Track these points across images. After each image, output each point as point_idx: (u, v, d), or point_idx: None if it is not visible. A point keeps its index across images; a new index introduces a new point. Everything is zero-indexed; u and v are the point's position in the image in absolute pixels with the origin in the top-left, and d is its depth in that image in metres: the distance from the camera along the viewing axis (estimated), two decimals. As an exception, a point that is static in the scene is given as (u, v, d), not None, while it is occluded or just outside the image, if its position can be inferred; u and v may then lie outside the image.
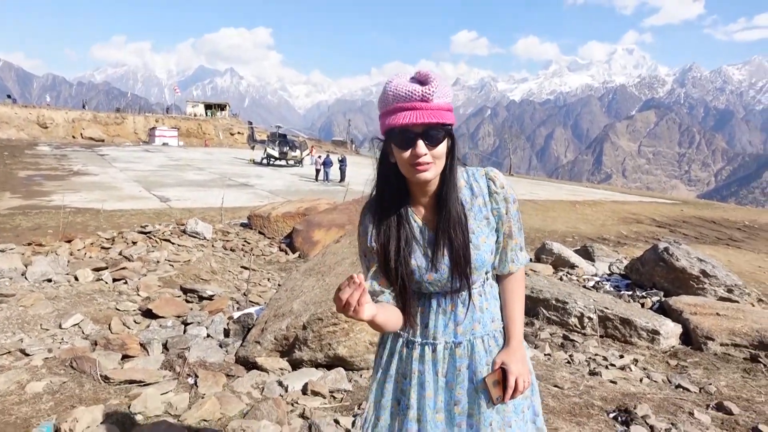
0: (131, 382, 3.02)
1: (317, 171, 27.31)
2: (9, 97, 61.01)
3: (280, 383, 3.06)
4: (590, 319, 4.99)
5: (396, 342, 1.52)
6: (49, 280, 4.92)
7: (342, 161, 27.27)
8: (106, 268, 5.54)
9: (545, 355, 4.38)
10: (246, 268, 6.19)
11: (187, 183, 22.86)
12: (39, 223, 12.93)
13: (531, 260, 8.00)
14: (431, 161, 1.35)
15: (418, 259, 1.44)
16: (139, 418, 2.65)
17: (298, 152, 36.35)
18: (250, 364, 3.39)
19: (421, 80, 1.34)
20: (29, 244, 6.39)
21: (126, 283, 5.21)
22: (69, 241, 6.46)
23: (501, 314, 1.55)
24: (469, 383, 1.46)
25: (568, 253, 7.75)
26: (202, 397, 2.86)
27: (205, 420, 2.64)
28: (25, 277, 4.96)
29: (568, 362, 4.28)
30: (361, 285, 1.17)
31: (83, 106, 68.01)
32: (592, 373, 3.98)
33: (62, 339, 3.63)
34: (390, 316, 1.42)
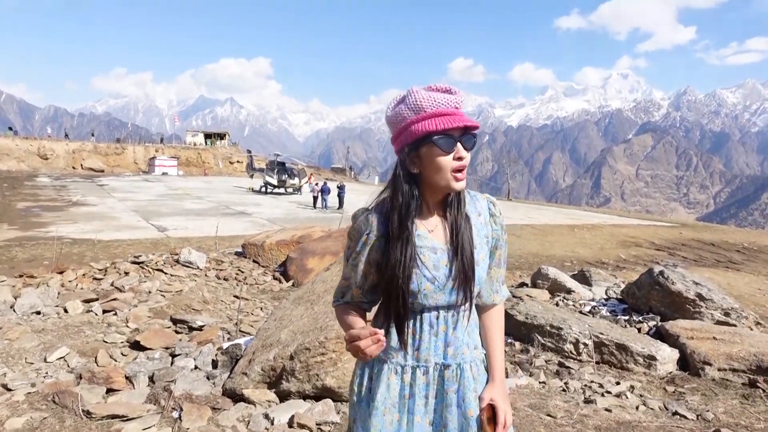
0: (113, 417, 2.95)
1: (315, 198, 27.43)
2: (10, 129, 61.55)
3: (267, 416, 3.00)
4: (585, 345, 4.93)
5: (381, 369, 1.47)
6: (38, 313, 4.88)
7: (341, 188, 27.39)
8: (97, 299, 5.50)
9: (540, 383, 4.31)
10: (238, 297, 6.14)
11: (185, 212, 22.88)
12: (35, 254, 12.90)
13: (527, 285, 7.95)
14: (466, 166, 1.39)
15: (418, 268, 1.42)
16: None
17: (296, 180, 36.50)
18: (237, 397, 3.32)
19: (446, 91, 1.39)
20: (20, 276, 6.35)
21: (116, 314, 5.16)
22: (61, 273, 6.43)
23: (481, 345, 1.56)
24: (457, 408, 1.44)
25: (564, 278, 7.70)
26: (186, 432, 2.80)
27: (188, 455, 2.58)
28: (14, 310, 4.91)
29: (563, 390, 4.21)
30: (381, 343, 1.23)
31: (92, 135, 68.71)
32: (587, 401, 3.91)
33: (46, 373, 3.58)
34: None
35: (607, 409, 3.72)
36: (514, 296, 7.32)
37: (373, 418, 1.45)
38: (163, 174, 52.83)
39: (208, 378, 3.63)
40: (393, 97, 1.46)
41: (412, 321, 1.45)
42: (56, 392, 3.15)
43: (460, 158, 1.37)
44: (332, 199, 27.35)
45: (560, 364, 4.81)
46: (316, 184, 28.25)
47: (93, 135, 69.29)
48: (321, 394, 3.24)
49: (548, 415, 3.51)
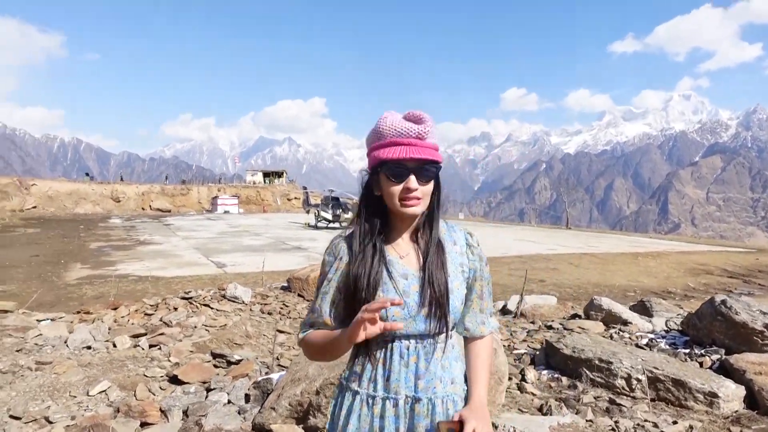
0: (143, 451, 3.01)
1: None
2: (87, 174, 66.22)
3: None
4: (639, 380, 4.61)
5: (354, 399, 1.45)
6: (89, 347, 5.09)
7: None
8: (145, 334, 5.69)
9: (587, 421, 4.04)
10: (281, 331, 6.19)
11: (243, 248, 23.52)
12: (103, 291, 13.55)
13: (580, 317, 7.59)
14: (421, 197, 1.40)
15: (387, 293, 1.41)
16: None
17: (350, 214, 36.95)
18: (265, 431, 3.31)
19: (415, 120, 1.41)
20: (78, 312, 6.69)
21: (160, 348, 5.31)
22: (115, 308, 6.72)
23: (464, 379, 1.51)
24: None
25: (620, 309, 7.30)
26: (213, 467, 2.80)
27: (210, 492, 2.56)
28: (66, 345, 5.16)
29: (613, 429, 3.93)
30: (390, 324, 1.26)
31: (165, 178, 72.74)
32: (639, 442, 3.63)
33: (87, 406, 3.70)
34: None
35: (659, 451, 3.43)
36: (565, 329, 7.00)
37: None
38: (225, 212, 54.91)
39: (239, 412, 3.64)
40: (388, 111, 1.48)
41: (382, 350, 1.43)
42: (92, 425, 3.25)
43: (409, 188, 1.37)
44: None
45: (611, 401, 4.50)
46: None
47: (166, 178, 73.13)
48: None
49: (592, 456, 3.28)
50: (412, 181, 1.37)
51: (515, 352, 5.95)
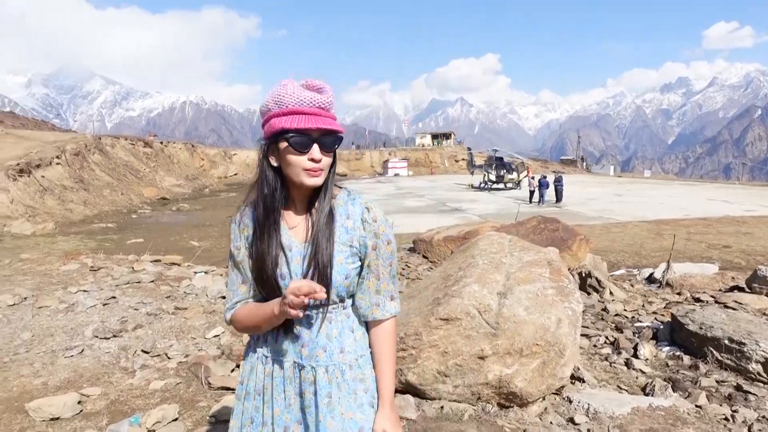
0: (226, 388, 3.47)
1: (531, 193, 26.57)
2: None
3: None
4: (779, 366, 3.91)
5: (254, 356, 1.52)
6: (223, 297, 5.89)
7: (558, 181, 25.96)
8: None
9: (696, 406, 3.58)
10: (400, 291, 6.43)
11: (405, 209, 24.41)
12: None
13: (742, 290, 6.55)
14: (323, 168, 1.38)
15: (282, 268, 1.43)
16: (210, 419, 3.05)
17: (515, 175, 35.92)
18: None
19: (316, 89, 1.39)
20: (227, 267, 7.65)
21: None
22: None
23: (356, 349, 1.48)
24: (316, 409, 1.41)
25: (795, 282, 6.12)
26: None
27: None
28: (206, 294, 6.04)
29: (726, 419, 3.43)
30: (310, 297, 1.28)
31: (352, 144, 77.11)
32: (751, 437, 3.13)
33: (201, 347, 4.35)
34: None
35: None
36: (717, 302, 6.13)
37: (245, 400, 1.51)
38: (395, 175, 57.17)
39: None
40: (291, 79, 1.43)
41: None
42: (195, 362, 3.83)
43: (313, 159, 1.35)
44: (550, 192, 26.13)
45: (737, 388, 3.90)
46: (533, 178, 27.32)
47: (353, 143, 77.51)
48: (406, 389, 3.27)
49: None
50: (316, 150, 1.35)
51: (636, 324, 5.41)
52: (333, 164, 1.44)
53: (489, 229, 8.32)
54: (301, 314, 1.30)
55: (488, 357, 3.08)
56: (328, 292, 1.39)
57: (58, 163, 25.72)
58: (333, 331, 1.46)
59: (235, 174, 53.87)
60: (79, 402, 3.27)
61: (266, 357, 1.49)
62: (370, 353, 1.52)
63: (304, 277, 1.40)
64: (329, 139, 1.37)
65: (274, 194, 1.42)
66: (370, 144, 78.33)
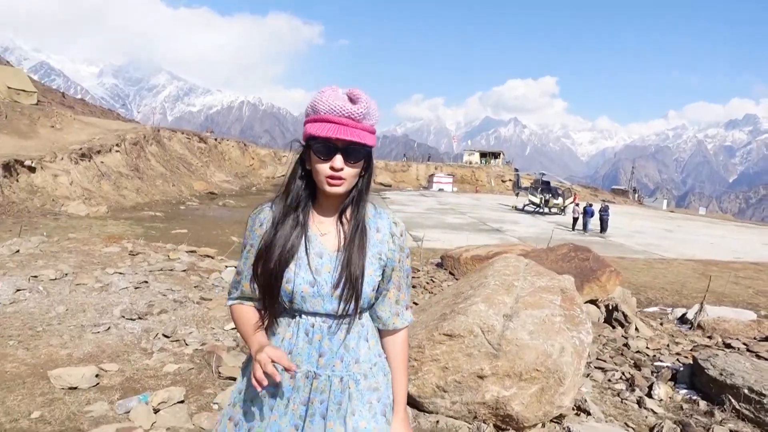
0: (234, 379, 3.61)
1: (574, 220, 25.91)
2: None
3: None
4: (800, 423, 3.74)
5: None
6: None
7: (604, 210, 25.24)
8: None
9: (702, 454, 3.47)
10: (416, 303, 6.48)
11: (444, 225, 24.34)
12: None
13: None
14: (345, 178, 1.38)
15: (299, 268, 1.41)
16: (213, 406, 3.19)
17: (560, 200, 35.21)
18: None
19: (352, 99, 1.39)
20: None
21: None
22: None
23: (375, 358, 1.51)
24: (321, 419, 1.41)
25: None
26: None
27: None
28: (231, 287, 6.23)
29: (734, 471, 3.31)
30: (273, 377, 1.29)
31: (404, 156, 77.16)
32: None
33: (218, 338, 4.52)
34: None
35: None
36: (749, 350, 5.87)
37: (242, 405, 1.48)
38: (439, 190, 57.02)
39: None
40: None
41: (288, 326, 1.44)
42: (209, 351, 4.00)
43: (333, 168, 1.36)
44: (595, 221, 25.47)
45: (752, 440, 3.76)
46: (577, 205, 26.70)
47: (404, 155, 77.30)
48: (410, 401, 3.33)
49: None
50: (338, 160, 1.35)
51: (656, 363, 5.24)
52: (366, 176, 1.45)
53: (518, 252, 8.25)
54: (260, 388, 1.29)
55: (487, 377, 3.09)
56: (357, 303, 1.43)
57: (117, 151, 26.99)
58: (351, 342, 1.46)
59: (283, 175, 54.77)
60: (96, 375, 3.48)
61: (276, 364, 1.40)
62: (383, 360, 1.53)
63: (336, 287, 1.41)
64: (355, 150, 1.37)
65: (300, 193, 1.44)
66: (418, 157, 78.49)
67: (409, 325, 1.58)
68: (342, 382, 1.43)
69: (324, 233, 1.46)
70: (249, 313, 1.50)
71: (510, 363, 3.05)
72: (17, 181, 18.58)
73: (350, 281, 1.40)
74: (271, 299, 1.43)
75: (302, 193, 1.44)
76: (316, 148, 1.36)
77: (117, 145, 26.98)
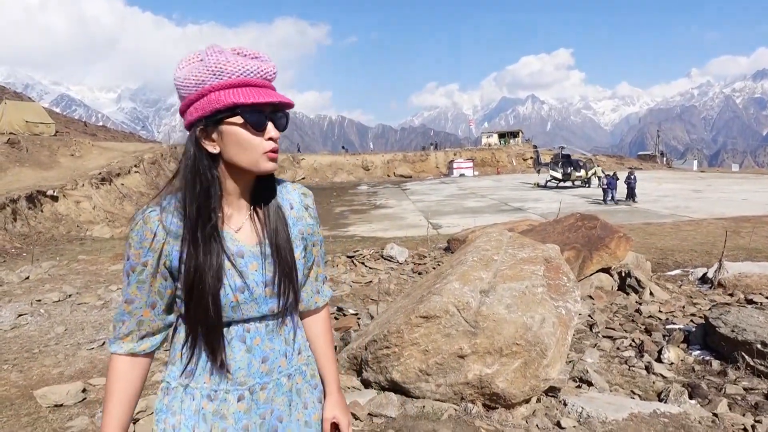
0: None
1: (604, 191, 25.01)
2: (343, 147, 75.20)
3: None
4: (819, 374, 3.51)
5: (186, 401, 1.19)
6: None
7: (630, 178, 24.34)
8: (301, 287, 6.43)
9: (713, 414, 3.28)
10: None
11: (463, 210, 24.08)
12: (331, 249, 15.53)
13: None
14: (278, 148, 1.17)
15: (233, 280, 1.17)
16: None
17: (582, 172, 34.51)
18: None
19: (254, 56, 1.15)
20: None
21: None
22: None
23: (306, 345, 1.36)
24: (276, 421, 1.25)
25: None
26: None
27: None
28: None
29: (744, 430, 3.12)
30: None
31: (431, 145, 74.74)
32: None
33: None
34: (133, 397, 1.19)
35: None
36: (750, 302, 5.58)
37: None
38: (461, 175, 56.55)
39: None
40: (184, 56, 1.17)
41: (218, 338, 1.17)
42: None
43: (272, 139, 1.14)
44: (623, 190, 24.69)
45: (767, 396, 3.54)
46: (606, 176, 25.94)
47: (423, 147, 75.51)
48: (392, 387, 3.22)
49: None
50: (272, 129, 1.14)
51: (667, 326, 5.01)
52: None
53: (525, 226, 8.04)
54: None
55: (468, 356, 2.97)
56: (297, 296, 1.27)
57: (136, 172, 27.54)
58: (290, 334, 1.29)
59: (303, 178, 55.38)
60: (83, 390, 3.48)
61: (215, 391, 1.19)
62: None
63: (269, 284, 1.21)
64: (281, 116, 1.16)
65: (210, 190, 1.14)
66: (438, 145, 77.78)
67: (329, 300, 1.42)
68: (290, 379, 1.28)
69: (237, 228, 1.21)
70: (136, 379, 1.19)
71: (489, 339, 2.92)
72: (42, 211, 19.10)
73: (285, 274, 1.22)
74: (207, 317, 1.15)
75: (214, 188, 1.15)
76: (251, 118, 1.10)
77: (135, 166, 27.52)
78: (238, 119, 1.10)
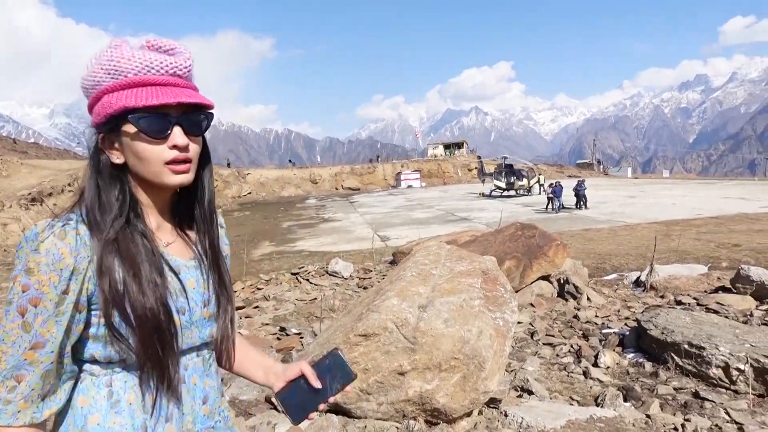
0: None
1: (549, 199, 25.66)
2: (290, 161, 74.52)
3: (270, 424, 3.08)
4: (740, 371, 3.71)
5: None
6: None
7: (579, 186, 24.97)
8: (243, 307, 6.34)
9: (646, 416, 3.40)
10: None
11: (411, 221, 24.28)
12: (277, 266, 15.24)
13: (729, 291, 6.28)
14: (192, 157, 0.99)
15: (177, 301, 1.01)
16: None
17: (525, 181, 35.61)
18: (274, 405, 3.47)
19: (166, 50, 0.99)
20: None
21: (241, 319, 5.86)
22: (233, 283, 7.58)
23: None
24: None
25: (780, 280, 5.85)
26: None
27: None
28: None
29: (675, 429, 3.24)
30: None
31: (377, 157, 75.24)
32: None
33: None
34: None
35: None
36: (699, 304, 5.88)
37: None
38: (408, 187, 57.11)
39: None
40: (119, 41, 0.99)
41: (160, 379, 0.97)
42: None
43: (177, 147, 0.95)
44: (568, 198, 25.37)
45: (695, 395, 3.71)
46: (550, 185, 26.71)
47: (370, 160, 75.64)
48: (332, 408, 3.17)
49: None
50: (179, 134, 0.95)
51: (603, 331, 5.20)
52: (206, 154, 1.07)
53: (467, 237, 8.17)
54: None
55: (408, 372, 2.95)
56: (234, 317, 1.14)
57: (70, 191, 26.27)
58: (213, 365, 1.13)
59: (249, 193, 54.43)
60: None
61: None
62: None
63: (207, 304, 1.06)
64: (196, 118, 0.98)
65: (123, 207, 0.97)
66: (384, 158, 78.36)
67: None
68: (225, 422, 1.13)
69: (168, 242, 1.05)
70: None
71: (428, 355, 2.92)
72: (-36, 236, 17.90)
73: (225, 291, 1.08)
74: (156, 352, 0.95)
75: (125, 198, 0.98)
76: (143, 124, 0.92)
77: (69, 185, 26.29)
78: (131, 125, 0.93)
